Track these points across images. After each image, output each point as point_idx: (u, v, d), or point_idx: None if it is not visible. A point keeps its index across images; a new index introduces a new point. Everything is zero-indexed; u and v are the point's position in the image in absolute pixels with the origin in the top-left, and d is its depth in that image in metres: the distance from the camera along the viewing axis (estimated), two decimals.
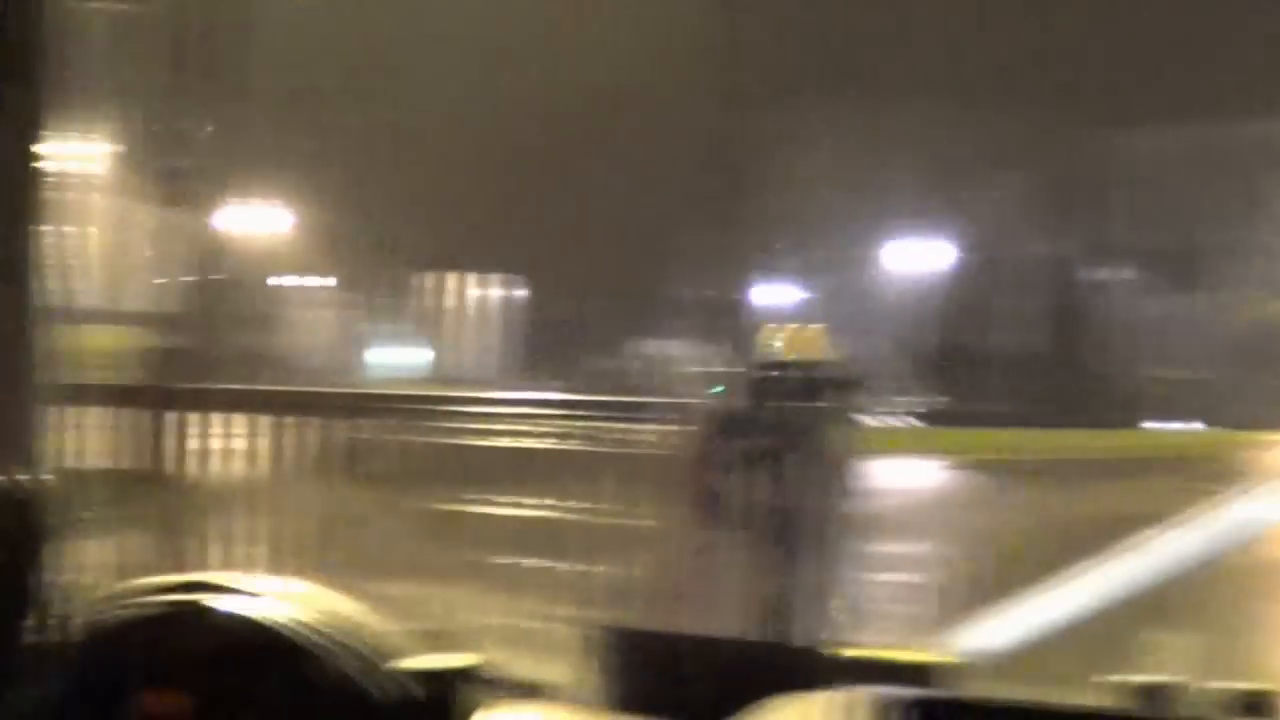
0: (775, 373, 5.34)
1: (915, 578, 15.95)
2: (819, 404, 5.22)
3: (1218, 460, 38.94)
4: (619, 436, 5.52)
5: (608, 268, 64.66)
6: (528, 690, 1.98)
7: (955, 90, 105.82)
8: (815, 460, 5.04)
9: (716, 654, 2.21)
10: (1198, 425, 68.22)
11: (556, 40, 56.61)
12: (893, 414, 64.83)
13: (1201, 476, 31.92)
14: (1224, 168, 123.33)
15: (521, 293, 75.28)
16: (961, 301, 72.47)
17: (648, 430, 5.42)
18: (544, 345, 68.15)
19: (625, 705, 1.98)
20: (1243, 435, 55.12)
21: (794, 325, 5.54)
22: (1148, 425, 61.34)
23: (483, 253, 65.92)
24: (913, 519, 21.48)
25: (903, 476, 31.81)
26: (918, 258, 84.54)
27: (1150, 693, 1.97)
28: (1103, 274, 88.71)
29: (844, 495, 5.05)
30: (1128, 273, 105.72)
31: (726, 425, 5.14)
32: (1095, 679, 2.02)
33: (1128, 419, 64.36)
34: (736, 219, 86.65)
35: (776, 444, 4.99)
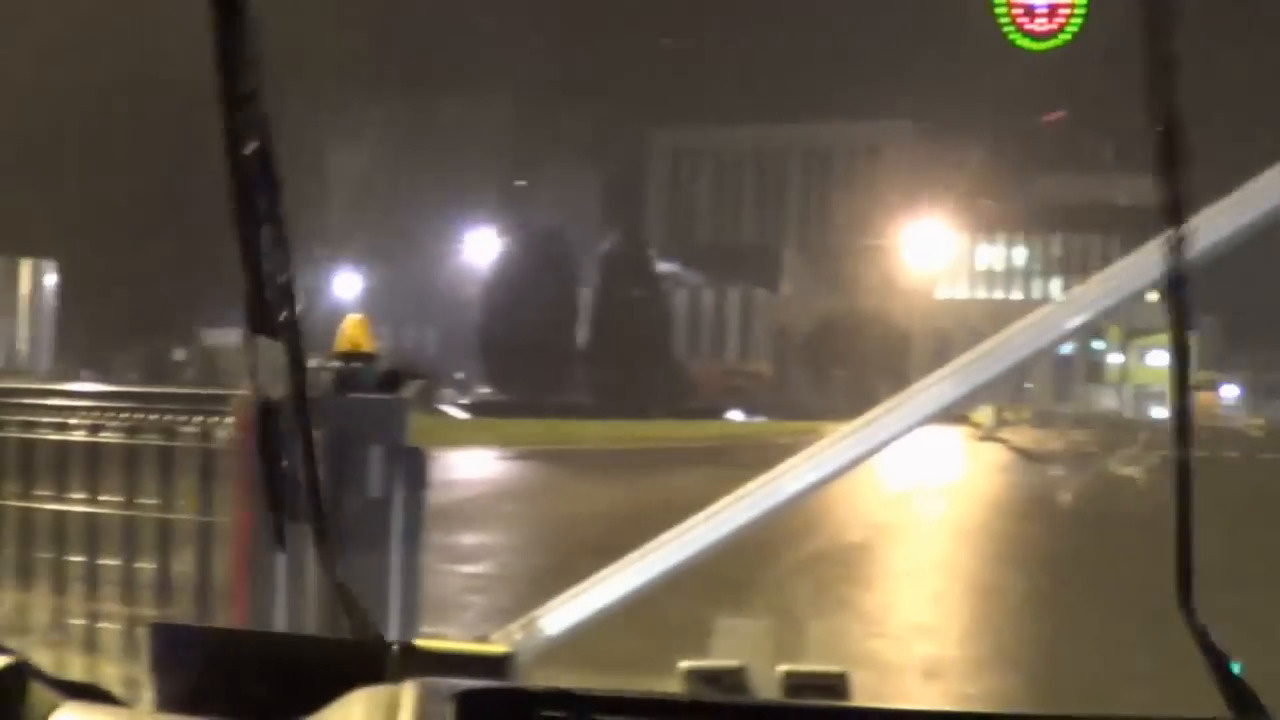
0: (332, 364, 5.26)
1: (482, 567, 16.21)
2: (375, 395, 5.16)
3: (775, 448, 40.92)
4: (169, 428, 5.35)
5: (158, 257, 63.06)
6: (77, 690, 1.85)
7: (513, 85, 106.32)
8: (376, 452, 4.99)
9: (277, 650, 2.15)
10: (760, 418, 71.12)
11: (94, 28, 54.95)
12: (456, 405, 65.21)
13: (754, 463, 33.59)
14: (779, 170, 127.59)
15: (59, 280, 72.33)
16: (524, 296, 73.67)
17: (200, 422, 5.27)
18: (88, 334, 65.98)
19: (181, 705, 1.90)
20: (801, 425, 57.74)
21: (351, 317, 5.45)
22: (701, 417, 63.69)
23: (15, 239, 63.24)
24: (479, 510, 21.70)
25: (468, 467, 32.11)
26: (479, 253, 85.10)
27: (715, 677, 2.00)
28: (664, 270, 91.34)
29: (405, 488, 5.01)
30: (688, 269, 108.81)
31: (281, 417, 5.01)
32: (662, 665, 2.06)
33: (690, 410, 66.61)
34: (292, 209, 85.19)
35: (334, 436, 4.90)
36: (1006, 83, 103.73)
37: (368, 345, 5.33)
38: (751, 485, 2.24)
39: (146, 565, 5.40)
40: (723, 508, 2.25)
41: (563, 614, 2.31)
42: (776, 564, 15.07)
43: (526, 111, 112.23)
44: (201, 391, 5.75)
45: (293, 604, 4.77)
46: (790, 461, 2.14)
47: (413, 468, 5.12)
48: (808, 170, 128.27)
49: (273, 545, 4.96)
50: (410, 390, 5.33)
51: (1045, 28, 44.82)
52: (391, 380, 5.26)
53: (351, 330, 5.33)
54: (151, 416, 5.36)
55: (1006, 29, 44.86)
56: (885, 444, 2.18)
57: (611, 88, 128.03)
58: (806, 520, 20.06)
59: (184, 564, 5.30)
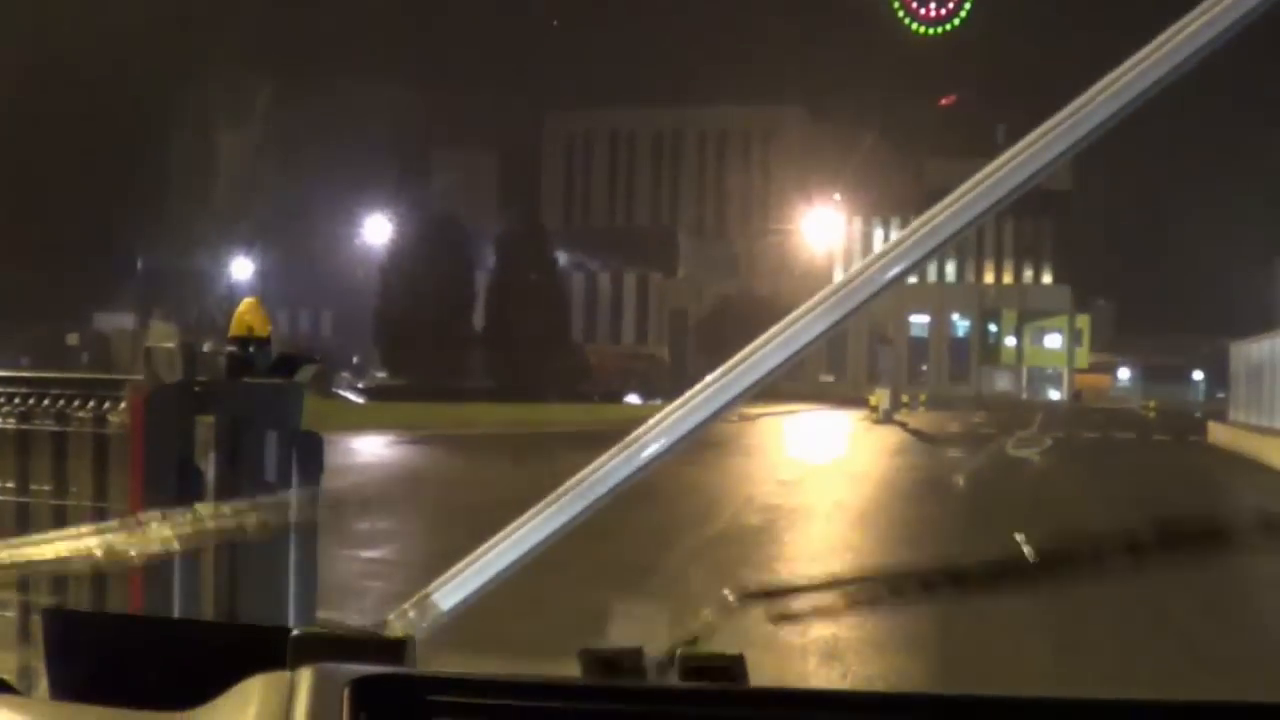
0: (230, 348, 5.16)
1: (380, 552, 16.11)
2: (270, 380, 5.07)
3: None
4: (62, 414, 5.23)
5: (48, 237, 62.14)
6: None
7: (412, 67, 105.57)
8: (271, 438, 4.90)
9: (173, 637, 2.16)
10: (658, 401, 71.14)
11: None
12: (353, 390, 64.80)
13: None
14: (674, 153, 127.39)
15: None
16: (421, 279, 73.24)
17: (92, 408, 5.15)
18: None
19: (76, 693, 1.90)
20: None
21: (246, 300, 5.34)
22: (599, 400, 63.70)
23: None
24: (376, 495, 21.58)
25: (365, 452, 31.92)
26: (376, 236, 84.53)
27: (612, 660, 2.00)
28: (561, 254, 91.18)
29: (300, 474, 4.92)
30: (584, 253, 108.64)
31: (173, 402, 4.92)
32: (561, 648, 2.05)
33: (588, 394, 66.61)
34: (190, 196, 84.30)
35: (227, 421, 4.81)
36: (899, 67, 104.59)
37: (262, 329, 5.23)
38: (611, 453, 2.32)
39: (30, 550, 5.29)
40: (588, 475, 2.32)
41: (454, 589, 2.24)
42: (676, 549, 15.10)
43: (424, 94, 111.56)
44: (96, 377, 5.61)
45: (188, 592, 4.68)
46: (643, 429, 2.22)
47: (308, 453, 5.02)
48: (703, 153, 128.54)
49: (168, 530, 4.87)
50: (305, 375, 5.23)
51: (937, 13, 45.18)
52: (286, 364, 5.17)
53: (246, 314, 5.23)
54: (44, 402, 5.24)
55: (900, 14, 45.19)
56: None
57: (508, 70, 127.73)
58: (706, 505, 20.19)
59: (64, 547, 5.18)
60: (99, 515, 5.07)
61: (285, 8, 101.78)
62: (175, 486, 4.74)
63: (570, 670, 1.99)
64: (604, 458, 2.26)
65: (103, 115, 67.41)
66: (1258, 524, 2.49)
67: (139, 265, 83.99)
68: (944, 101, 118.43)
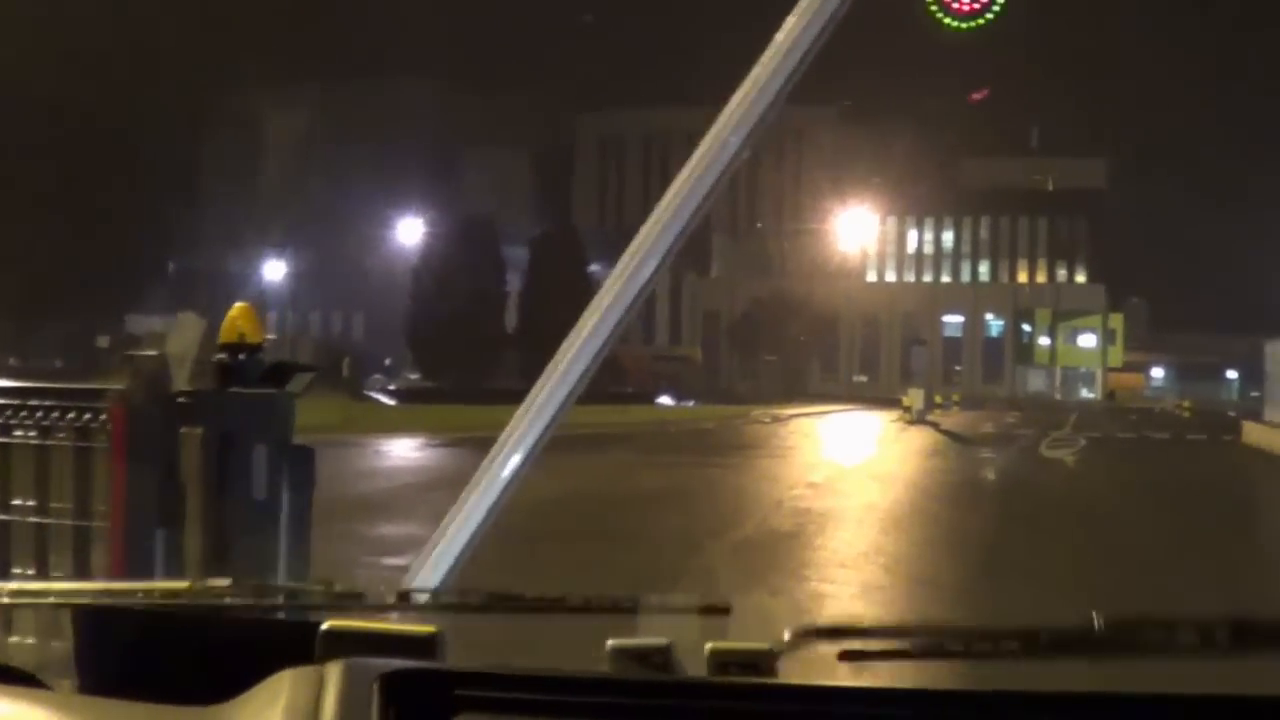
0: (219, 356, 4.91)
1: (407, 560, 15.83)
2: (260, 390, 4.82)
3: (700, 433, 41.00)
4: (44, 427, 5.00)
5: (79, 235, 62.19)
6: None
7: (443, 70, 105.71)
8: (260, 451, 4.66)
9: (204, 630, 2.16)
10: (690, 402, 70.98)
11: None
12: (385, 392, 64.63)
13: (674, 448, 33.56)
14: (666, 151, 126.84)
15: None
16: (454, 281, 73.00)
17: (72, 420, 4.92)
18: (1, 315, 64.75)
19: (103, 687, 1.92)
20: (731, 409, 57.78)
21: (238, 305, 5.10)
22: (631, 402, 63.40)
23: None
24: (405, 500, 21.38)
25: (396, 456, 31.75)
26: (409, 238, 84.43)
27: (642, 655, 2.02)
28: (594, 254, 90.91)
29: (291, 488, 4.68)
30: (618, 253, 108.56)
31: (162, 413, 4.68)
32: (590, 643, 2.06)
33: (620, 396, 66.33)
34: (223, 197, 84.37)
35: (215, 433, 4.57)
36: (932, 65, 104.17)
37: (255, 336, 5.00)
38: (519, 417, 2.62)
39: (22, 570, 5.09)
40: (506, 443, 2.58)
41: (430, 570, 2.41)
42: (704, 553, 14.83)
43: (457, 94, 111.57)
44: (78, 387, 5.38)
45: (203, 587, 4.47)
46: (534, 397, 2.56)
47: (299, 467, 4.78)
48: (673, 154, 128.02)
49: (149, 548, 4.66)
50: (298, 384, 4.99)
51: (970, 6, 44.79)
52: (278, 374, 4.93)
53: (238, 319, 5.00)
54: (23, 414, 5.01)
55: (932, 7, 44.82)
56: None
57: (542, 70, 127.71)
58: (735, 508, 19.93)
59: (62, 569, 5.00)
60: (81, 533, 4.86)
61: (319, 7, 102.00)
62: (158, 502, 4.53)
63: (599, 666, 2.01)
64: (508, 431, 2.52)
65: (139, 115, 67.52)
66: None
67: (171, 266, 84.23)
68: (975, 97, 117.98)
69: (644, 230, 2.42)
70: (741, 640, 2.09)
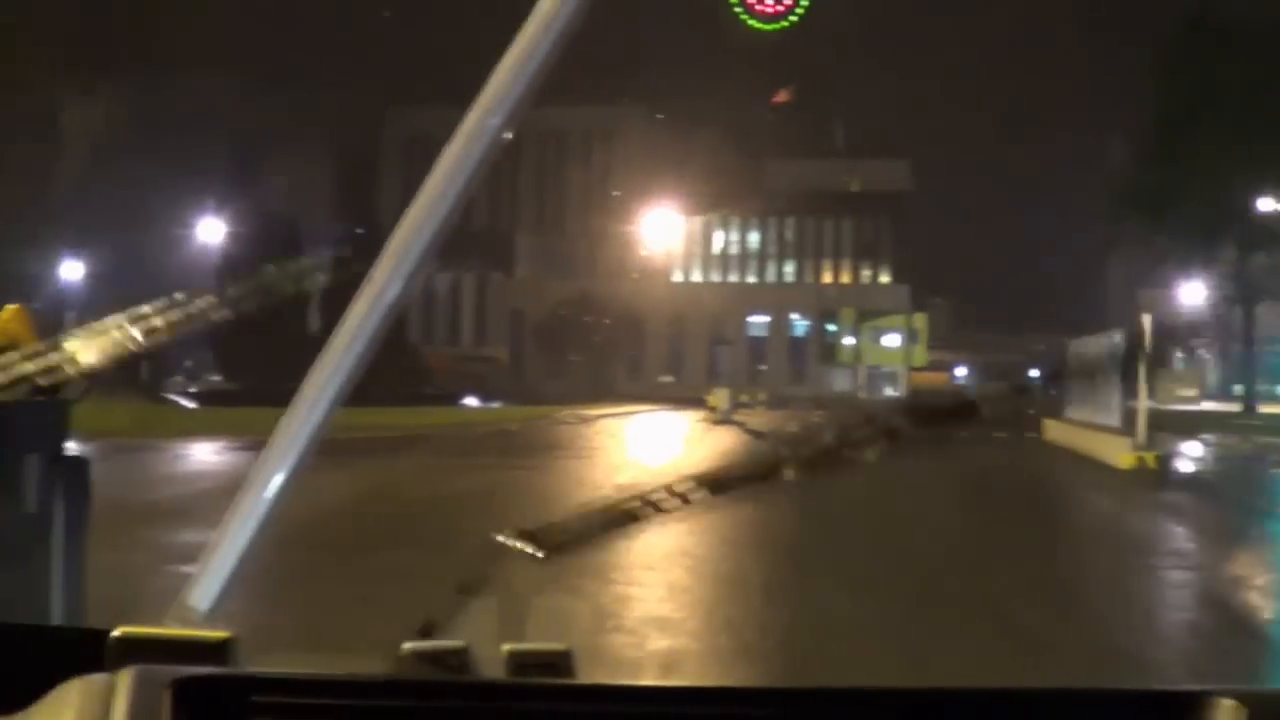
0: None
1: (190, 564, 15.48)
2: (31, 399, 4.55)
3: (505, 434, 40.75)
4: None
5: None
6: None
7: (244, 64, 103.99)
8: (32, 462, 4.41)
9: None
10: (496, 403, 70.61)
11: None
12: (185, 394, 63.33)
13: (476, 451, 33.29)
14: (513, 153, 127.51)
15: None
16: (243, 282, 71.52)
17: None
18: None
19: None
20: (536, 410, 57.63)
21: (9, 306, 4.84)
22: (436, 403, 62.92)
23: None
24: (203, 505, 20.77)
25: (194, 460, 31.04)
26: (210, 237, 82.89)
27: (437, 657, 2.04)
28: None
29: (66, 501, 4.44)
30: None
31: None
32: (387, 646, 2.09)
33: (425, 397, 65.73)
34: (13, 195, 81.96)
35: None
36: (739, 66, 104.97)
37: (28, 339, 4.73)
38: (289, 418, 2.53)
39: None
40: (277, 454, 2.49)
41: (206, 587, 2.30)
42: (506, 557, 14.63)
43: (263, 91, 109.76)
44: None
45: None
46: (303, 399, 2.47)
47: (74, 479, 4.53)
48: (543, 153, 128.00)
49: None
50: (74, 392, 4.73)
51: (774, 9, 45.14)
52: (47, 376, 4.66)
53: (10, 322, 4.73)
54: None
55: (736, 9, 45.11)
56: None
57: (346, 71, 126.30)
58: (539, 511, 19.72)
59: None
60: None
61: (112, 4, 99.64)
62: None
63: (396, 669, 2.02)
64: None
65: None
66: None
67: None
68: (777, 98, 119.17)
69: (401, 229, 2.39)
70: (541, 642, 2.11)
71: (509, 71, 2.67)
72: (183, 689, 1.69)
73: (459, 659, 2.04)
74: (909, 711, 1.93)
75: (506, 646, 2.04)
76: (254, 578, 2.65)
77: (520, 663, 2.01)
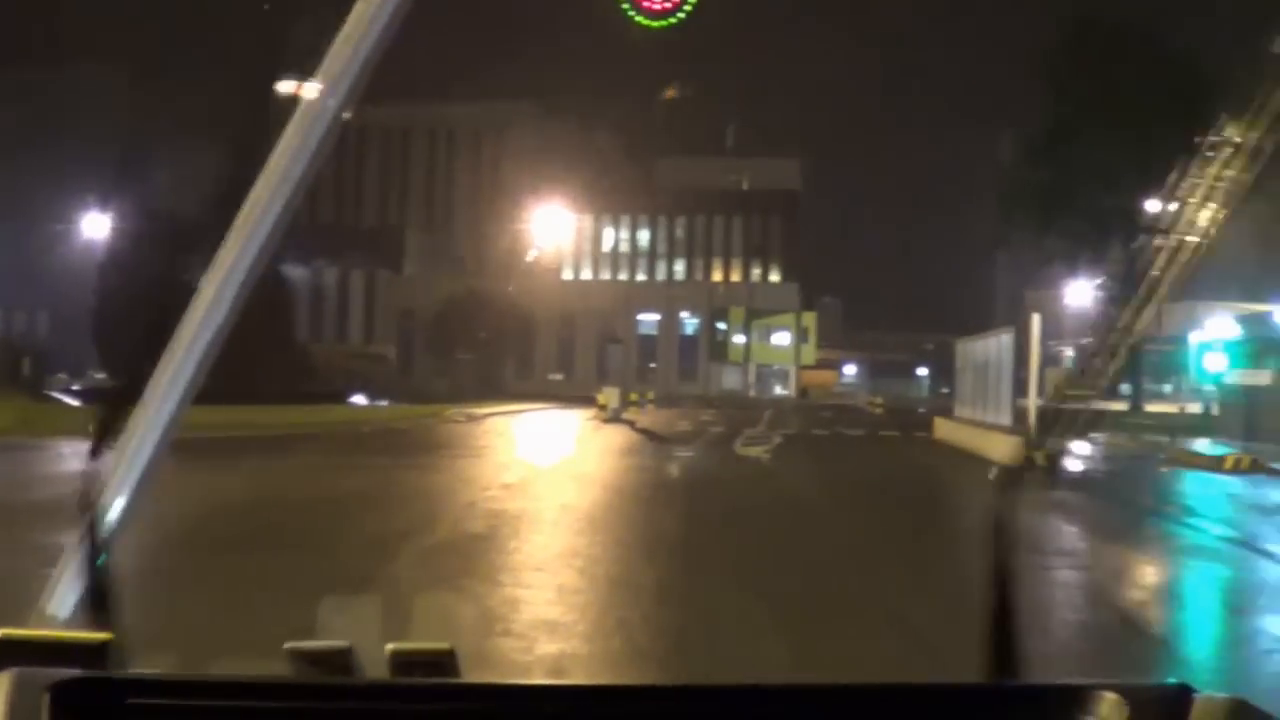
0: None
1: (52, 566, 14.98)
2: None
3: (389, 433, 40.22)
4: None
5: None
6: None
7: (131, 57, 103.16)
8: None
9: None
10: (384, 402, 69.91)
11: None
12: (68, 392, 62.10)
13: (360, 450, 32.80)
14: (402, 148, 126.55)
15: None
16: (138, 276, 70.19)
17: None
18: None
19: None
20: (424, 409, 57.07)
21: None
22: (323, 401, 62.10)
23: None
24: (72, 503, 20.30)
25: (78, 459, 30.19)
26: (93, 232, 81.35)
27: (321, 658, 2.02)
28: (285, 251, 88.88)
29: None
30: (310, 248, 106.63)
31: None
32: (269, 647, 2.06)
33: (312, 395, 64.91)
34: None
35: None
36: (628, 63, 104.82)
37: None
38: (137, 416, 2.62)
39: None
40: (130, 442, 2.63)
41: (64, 593, 2.35)
42: (392, 558, 14.20)
43: (148, 84, 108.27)
44: None
45: None
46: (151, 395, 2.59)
47: None
48: (433, 150, 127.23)
49: None
50: None
51: (662, 6, 44.86)
52: None
53: None
54: None
55: (624, 5, 44.80)
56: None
57: (232, 62, 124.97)
58: (426, 511, 19.35)
59: None
60: None
61: None
62: None
63: (279, 669, 1.99)
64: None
65: None
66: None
67: None
68: (666, 95, 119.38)
69: (244, 213, 2.60)
70: (426, 641, 2.09)
71: (345, 51, 2.64)
72: (61, 691, 1.70)
73: (342, 659, 2.03)
74: (806, 706, 1.97)
75: (390, 646, 2.04)
76: (133, 580, 2.52)
77: (404, 662, 2.01)
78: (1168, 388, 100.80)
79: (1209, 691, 2.00)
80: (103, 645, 1.98)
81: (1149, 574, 16.47)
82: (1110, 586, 14.91)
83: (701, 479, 27.73)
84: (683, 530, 17.76)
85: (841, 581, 14.16)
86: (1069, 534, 19.42)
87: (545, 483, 24.85)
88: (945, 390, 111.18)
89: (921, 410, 69.16)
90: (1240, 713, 1.99)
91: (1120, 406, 64.32)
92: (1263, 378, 30.93)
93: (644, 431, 43.64)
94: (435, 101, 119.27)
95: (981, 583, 2.33)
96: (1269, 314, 34.82)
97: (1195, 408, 44.55)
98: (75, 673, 1.78)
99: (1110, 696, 1.96)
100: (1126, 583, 15.37)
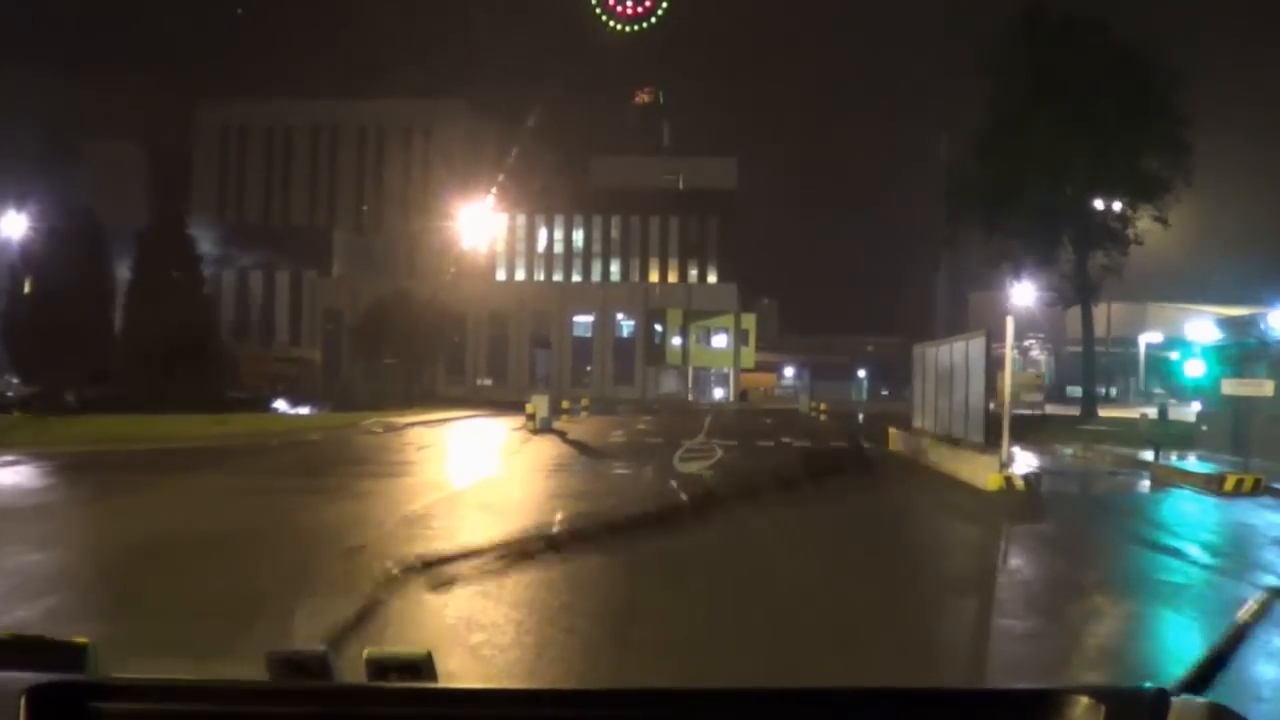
0: None
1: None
2: None
3: (305, 445, 37.34)
4: None
5: None
6: None
7: (49, 53, 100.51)
8: None
9: None
10: (307, 408, 67.27)
11: None
12: None
13: (273, 468, 29.93)
14: (330, 147, 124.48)
15: None
16: (55, 279, 66.82)
17: None
18: None
19: None
20: (349, 416, 54.40)
21: None
22: (244, 409, 59.26)
23: None
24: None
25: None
26: (12, 232, 77.70)
27: (299, 663, 2.13)
28: (207, 250, 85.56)
29: None
30: (234, 249, 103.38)
31: None
32: (250, 652, 2.13)
33: (232, 402, 62.13)
34: None
35: None
36: (565, 63, 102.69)
37: None
38: None
39: None
40: None
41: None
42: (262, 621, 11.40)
43: (68, 81, 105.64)
44: None
45: None
46: None
47: None
48: (363, 148, 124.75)
49: None
50: None
51: (634, 10, 42.67)
52: None
53: None
54: None
55: (597, 10, 42.52)
56: None
57: (159, 57, 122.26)
58: (302, 558, 16.12)
59: None
60: None
61: None
62: None
63: (259, 674, 2.06)
64: None
65: None
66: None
67: None
68: (640, 98, 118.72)
69: None
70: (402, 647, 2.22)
71: None
72: (37, 695, 1.72)
73: (320, 663, 2.14)
74: (783, 711, 2.04)
75: (367, 651, 2.18)
76: None
77: (380, 666, 2.15)
78: (1114, 390, 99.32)
79: (1185, 696, 2.04)
80: (81, 648, 1.99)
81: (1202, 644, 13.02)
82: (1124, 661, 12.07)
83: (638, 504, 24.83)
84: (618, 593, 14.40)
85: (795, 637, 11.46)
86: (1095, 598, 15.73)
87: (456, 514, 21.73)
88: (885, 393, 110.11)
89: (862, 417, 66.75)
90: (1217, 717, 2.03)
91: (1073, 411, 62.37)
92: (1264, 388, 28.21)
93: (576, 443, 40.85)
94: (364, 98, 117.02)
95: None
96: (1260, 316, 32.17)
97: (1151, 412, 42.16)
98: (53, 677, 1.79)
99: (1086, 701, 2.01)
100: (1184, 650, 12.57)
